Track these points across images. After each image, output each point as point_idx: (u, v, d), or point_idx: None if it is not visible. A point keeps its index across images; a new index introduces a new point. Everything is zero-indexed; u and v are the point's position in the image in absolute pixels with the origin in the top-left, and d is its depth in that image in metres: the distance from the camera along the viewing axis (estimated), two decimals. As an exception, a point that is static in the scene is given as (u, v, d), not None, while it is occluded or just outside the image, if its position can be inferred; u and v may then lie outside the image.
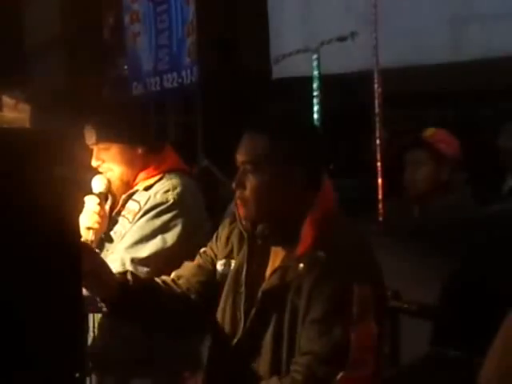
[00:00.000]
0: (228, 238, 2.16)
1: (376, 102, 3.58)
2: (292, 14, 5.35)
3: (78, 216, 1.41)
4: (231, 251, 2.14)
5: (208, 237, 2.28)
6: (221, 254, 2.16)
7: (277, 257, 2.02)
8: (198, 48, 5.64)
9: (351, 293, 1.80)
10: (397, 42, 4.10)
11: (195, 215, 2.56)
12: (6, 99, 2.71)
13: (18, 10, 6.70)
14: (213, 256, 2.21)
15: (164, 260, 2.39)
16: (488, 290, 2.18)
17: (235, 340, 2.00)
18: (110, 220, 2.70)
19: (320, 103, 3.95)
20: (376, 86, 3.59)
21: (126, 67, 6.63)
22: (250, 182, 1.95)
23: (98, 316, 2.57)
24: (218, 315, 2.09)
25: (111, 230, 2.69)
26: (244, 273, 2.04)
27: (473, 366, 2.02)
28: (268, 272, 2.02)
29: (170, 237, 2.49)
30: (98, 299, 2.00)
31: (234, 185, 2.01)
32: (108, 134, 2.58)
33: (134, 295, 2.10)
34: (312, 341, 1.81)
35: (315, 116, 3.93)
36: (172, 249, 2.46)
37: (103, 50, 6.90)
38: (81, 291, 1.56)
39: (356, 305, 1.79)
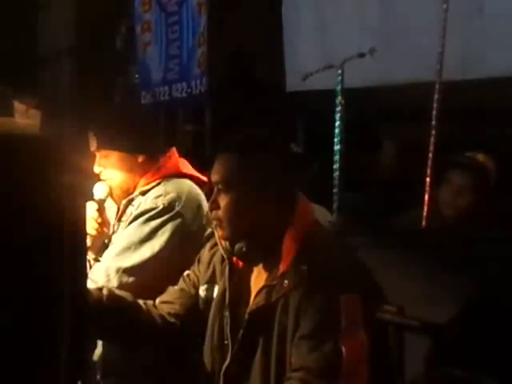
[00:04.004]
0: (209, 262, 2.15)
1: (434, 113, 3.58)
2: (307, 27, 5.34)
3: (84, 222, 1.39)
4: (213, 275, 2.12)
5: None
6: (203, 279, 2.15)
7: (260, 277, 2.01)
8: (208, 58, 5.63)
9: (338, 304, 1.78)
10: (410, 59, 4.09)
11: (189, 222, 2.51)
12: (18, 105, 2.71)
13: (30, 18, 6.71)
14: (196, 280, 2.19)
15: (152, 268, 2.37)
16: (499, 310, 2.15)
17: (224, 366, 1.98)
18: (113, 227, 2.70)
19: (342, 118, 3.95)
20: (436, 97, 3.58)
21: (137, 76, 6.63)
22: (223, 201, 1.97)
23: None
24: (206, 342, 2.08)
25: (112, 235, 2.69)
26: (227, 296, 2.02)
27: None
28: (253, 293, 2.00)
29: (158, 244, 2.45)
30: None
31: (208, 206, 2.03)
32: (107, 142, 2.58)
33: (108, 314, 2.07)
34: (303, 357, 1.79)
35: (336, 131, 3.93)
36: (160, 256, 2.43)
37: (115, 59, 6.91)
38: (86, 297, 1.54)
39: (344, 316, 1.77)
